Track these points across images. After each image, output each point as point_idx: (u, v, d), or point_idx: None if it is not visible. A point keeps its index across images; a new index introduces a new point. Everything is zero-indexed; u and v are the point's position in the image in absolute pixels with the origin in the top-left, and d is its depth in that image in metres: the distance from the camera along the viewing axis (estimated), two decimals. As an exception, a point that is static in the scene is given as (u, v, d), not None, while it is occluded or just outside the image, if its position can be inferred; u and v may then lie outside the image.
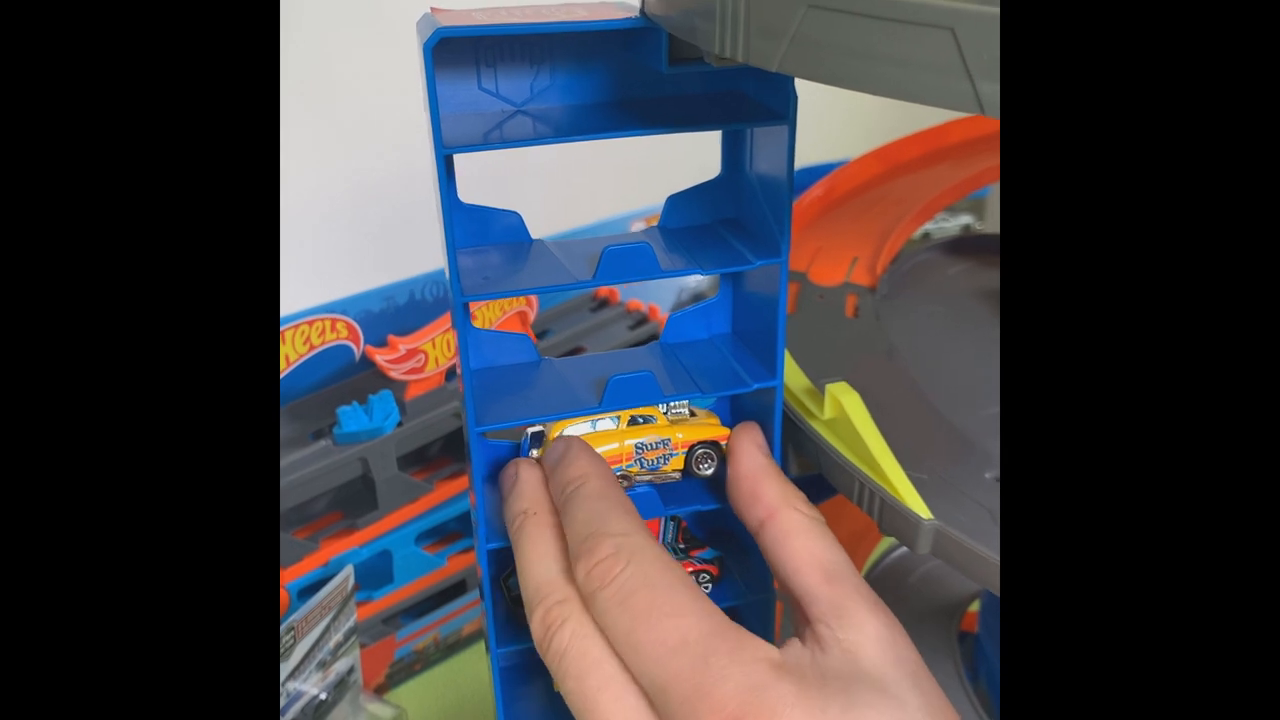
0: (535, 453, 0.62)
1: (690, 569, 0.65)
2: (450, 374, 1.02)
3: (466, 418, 0.58)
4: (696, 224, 0.63)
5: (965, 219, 1.19)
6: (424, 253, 1.07)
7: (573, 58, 0.57)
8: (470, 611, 1.07)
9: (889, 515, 0.59)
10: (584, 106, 0.58)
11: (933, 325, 0.73)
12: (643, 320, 1.15)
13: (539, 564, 0.55)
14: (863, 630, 0.52)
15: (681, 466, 0.64)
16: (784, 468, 0.64)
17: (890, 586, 0.88)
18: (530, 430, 0.63)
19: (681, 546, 0.67)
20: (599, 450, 0.62)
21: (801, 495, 0.58)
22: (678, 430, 0.63)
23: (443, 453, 1.07)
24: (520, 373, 0.63)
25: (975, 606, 0.88)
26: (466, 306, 0.56)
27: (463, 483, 1.04)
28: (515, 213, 0.60)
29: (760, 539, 0.57)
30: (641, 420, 0.63)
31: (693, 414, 0.64)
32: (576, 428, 0.62)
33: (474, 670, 1.06)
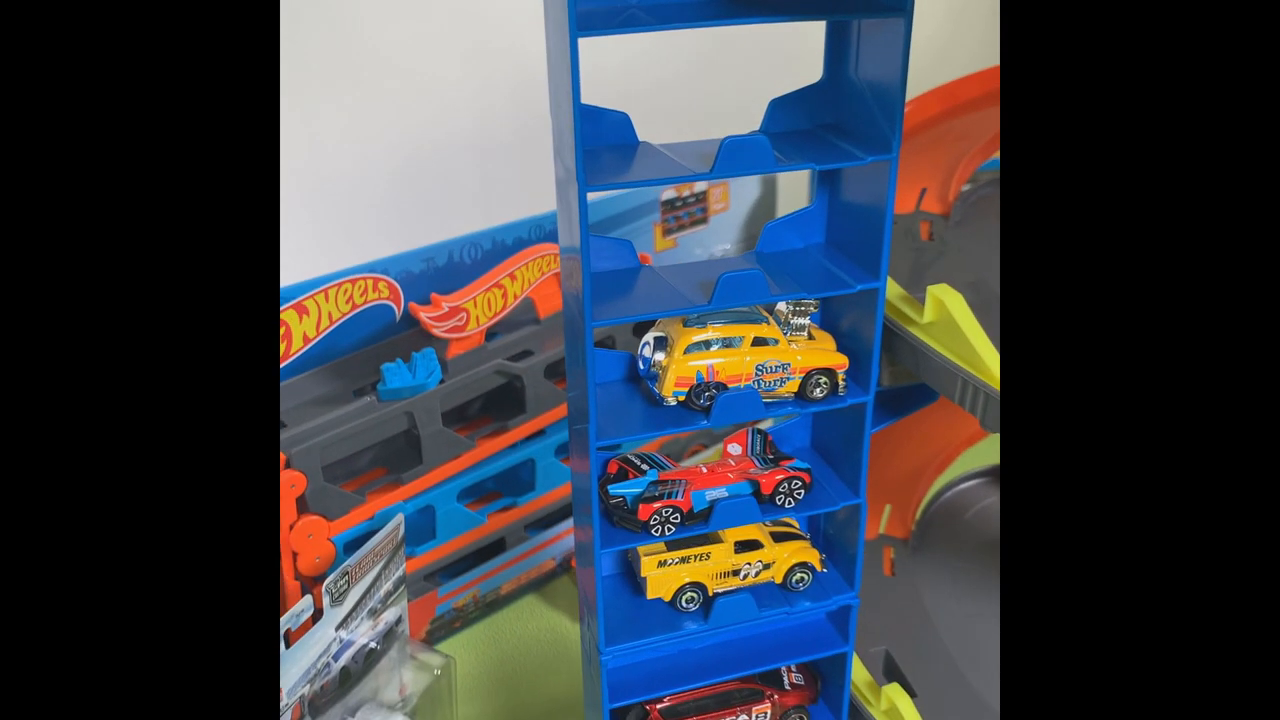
0: (659, 357, 0.63)
1: (782, 475, 0.66)
2: (490, 334, 1.03)
3: (583, 315, 0.58)
4: (797, 129, 0.64)
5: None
6: (462, 215, 1.08)
7: (690, -46, 0.58)
8: (509, 570, 1.07)
9: (993, 410, 0.60)
10: (698, 3, 0.59)
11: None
12: (675, 286, 1.16)
13: None
14: None
15: (796, 390, 0.64)
16: (878, 378, 0.65)
17: (945, 521, 0.90)
18: (652, 335, 0.64)
19: (770, 457, 0.68)
20: (722, 364, 0.63)
21: None
22: (797, 354, 0.64)
23: (483, 411, 1.07)
24: (624, 277, 0.63)
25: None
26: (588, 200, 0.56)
27: (501, 441, 1.04)
28: (624, 113, 0.61)
29: None
30: (763, 342, 0.64)
31: (811, 335, 0.65)
32: (703, 336, 0.63)
33: (514, 628, 1.06)
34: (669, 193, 1.17)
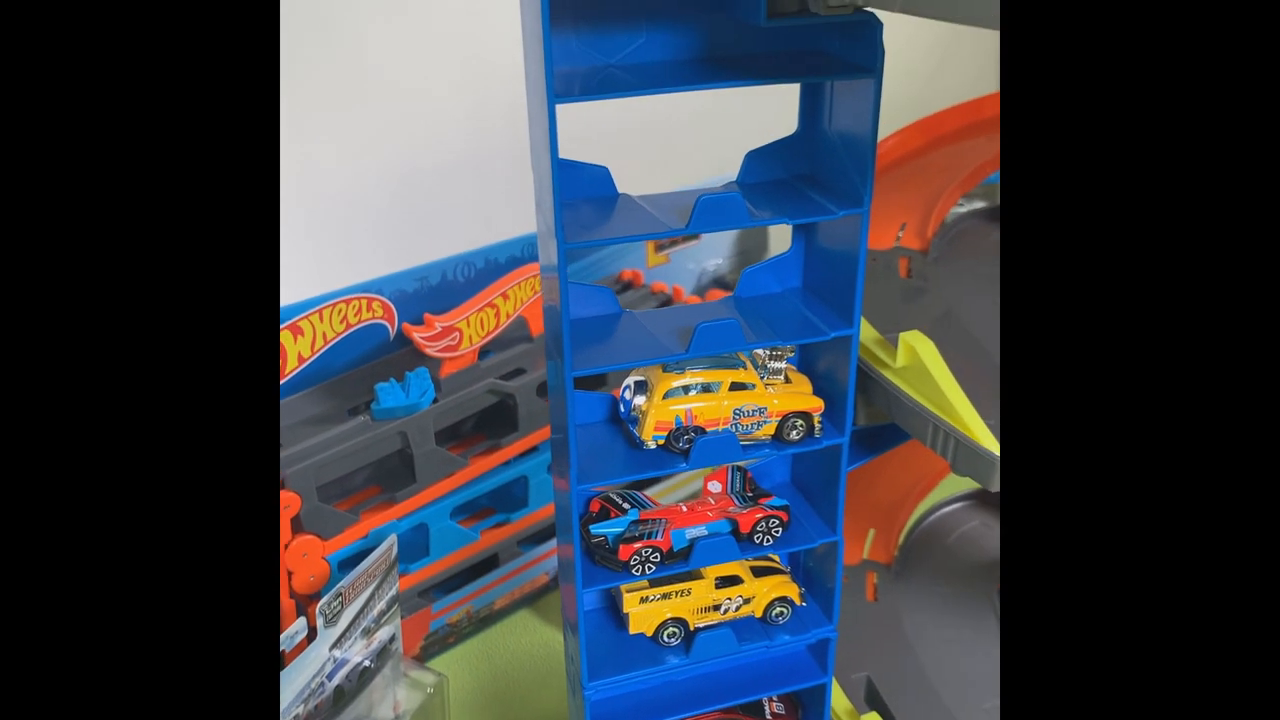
0: (639, 401, 0.65)
1: (760, 515, 0.68)
2: (483, 353, 1.04)
3: (563, 364, 0.60)
4: (773, 179, 0.65)
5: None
6: (456, 235, 1.09)
7: (667, 15, 0.59)
8: (502, 586, 1.09)
9: (963, 454, 0.62)
10: (676, 63, 0.60)
11: (984, 286, 0.76)
12: (667, 302, 1.18)
13: None
14: None
15: (773, 433, 0.66)
16: (853, 418, 0.67)
17: (928, 546, 0.91)
18: (633, 379, 0.66)
19: (749, 495, 0.70)
20: (700, 408, 0.64)
21: None
22: (774, 399, 0.65)
23: (476, 429, 1.09)
24: (604, 324, 0.65)
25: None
26: (567, 255, 0.58)
27: (495, 459, 1.05)
28: (603, 167, 0.63)
29: None
30: (740, 386, 0.65)
31: (788, 379, 0.67)
32: (681, 382, 0.64)
33: (507, 643, 1.07)
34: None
